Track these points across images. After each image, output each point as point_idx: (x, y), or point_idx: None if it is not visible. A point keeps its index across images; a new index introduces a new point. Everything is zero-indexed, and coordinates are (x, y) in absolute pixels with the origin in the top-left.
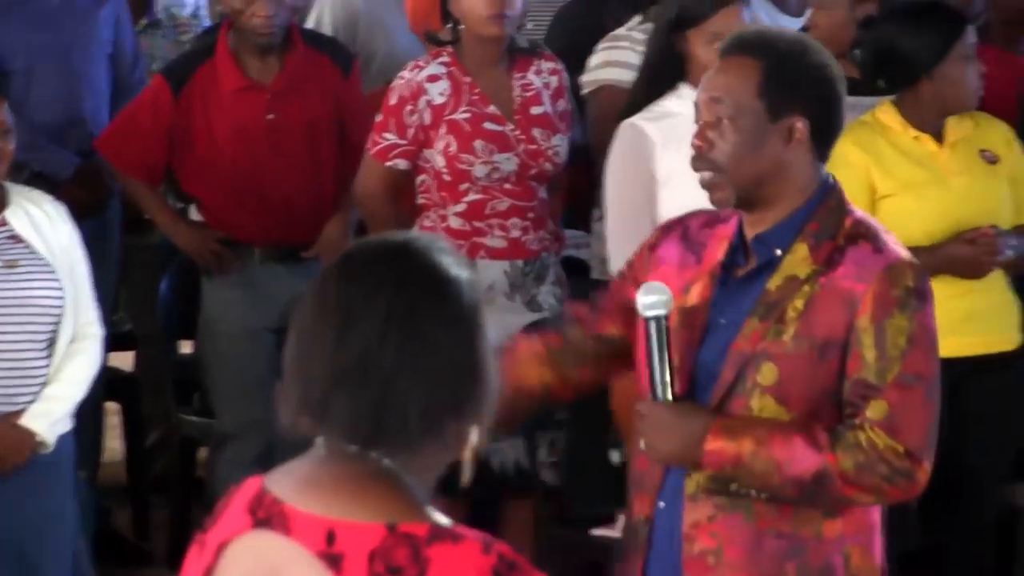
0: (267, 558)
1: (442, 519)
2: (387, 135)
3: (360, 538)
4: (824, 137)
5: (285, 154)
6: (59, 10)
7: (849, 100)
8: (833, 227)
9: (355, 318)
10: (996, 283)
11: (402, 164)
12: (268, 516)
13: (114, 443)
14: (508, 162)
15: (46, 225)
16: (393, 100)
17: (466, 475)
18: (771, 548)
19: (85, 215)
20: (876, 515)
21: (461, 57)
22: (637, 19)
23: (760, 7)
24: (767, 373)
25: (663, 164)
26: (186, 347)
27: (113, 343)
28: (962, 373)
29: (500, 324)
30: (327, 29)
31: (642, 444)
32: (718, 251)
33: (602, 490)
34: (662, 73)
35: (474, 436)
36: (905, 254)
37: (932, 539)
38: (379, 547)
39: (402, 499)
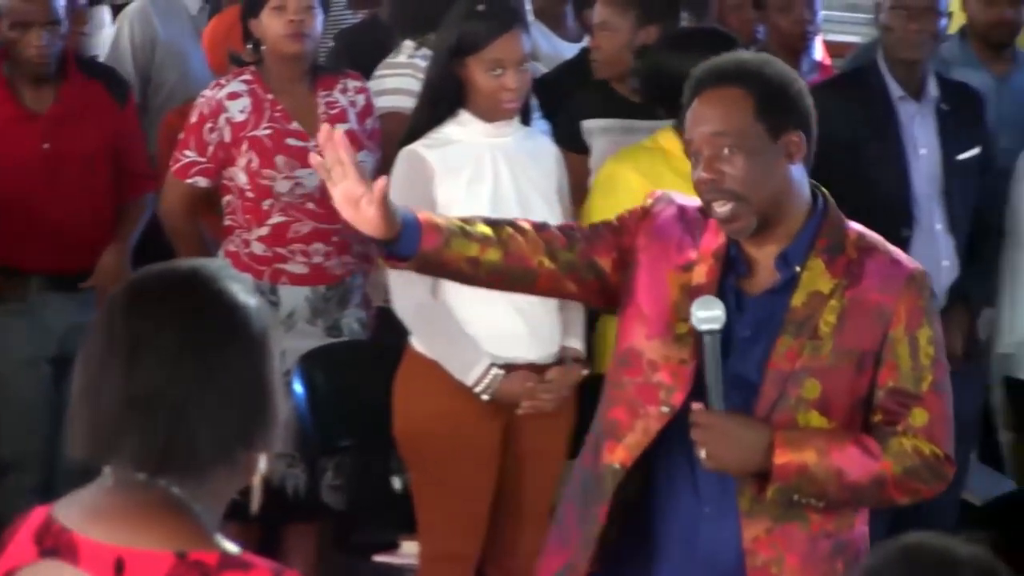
0: None
1: (231, 547)
2: (187, 152)
3: (149, 566)
4: (811, 148)
5: (61, 183)
6: None
7: (630, 124)
8: (840, 240)
9: (143, 348)
10: None
11: (202, 182)
12: (56, 545)
13: None
14: (311, 178)
15: None
16: (194, 118)
17: (255, 501)
18: (823, 549)
19: None
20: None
21: (264, 76)
22: (411, 44)
23: (538, 33)
24: (811, 388)
25: (443, 190)
26: None
27: None
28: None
29: (299, 350)
30: (126, 52)
31: (702, 453)
32: (715, 239)
33: (385, 516)
34: (442, 99)
35: (263, 463)
36: (916, 263)
37: None
38: (169, 575)
39: (191, 527)
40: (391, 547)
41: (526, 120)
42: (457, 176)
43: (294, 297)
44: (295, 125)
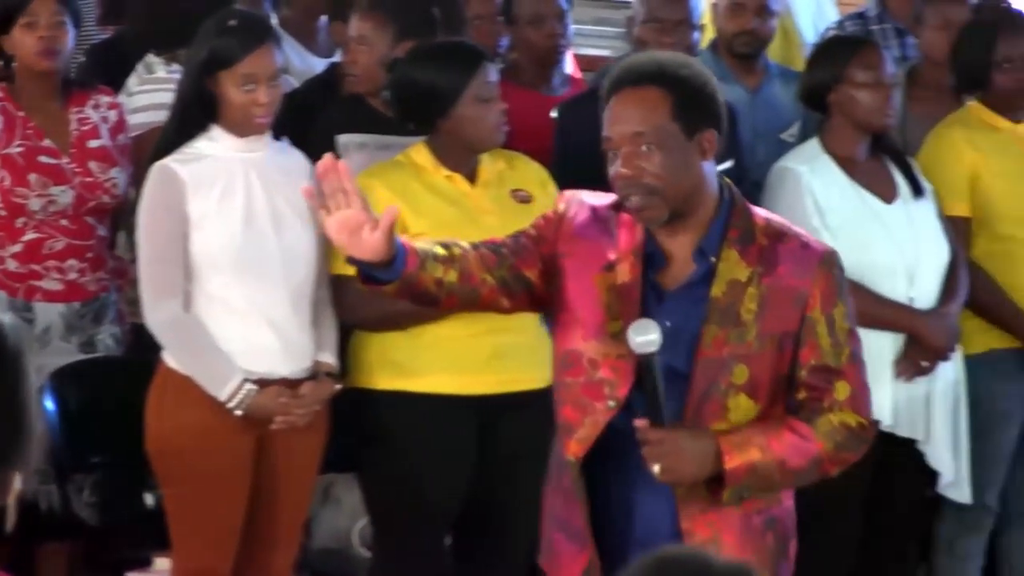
0: None
1: None
2: None
3: None
4: (722, 144)
5: None
6: None
7: (386, 140)
8: (750, 228)
9: None
10: (527, 321)
11: None
12: None
13: None
14: (64, 195)
15: None
16: None
17: (10, 520)
18: (756, 525)
19: None
20: None
21: (15, 93)
22: (158, 60)
23: (290, 48)
24: (739, 374)
25: (195, 205)
26: None
27: None
28: (493, 410)
29: (53, 367)
30: None
31: (656, 469)
32: (633, 235)
33: (138, 533)
34: (194, 114)
35: (18, 482)
36: (824, 244)
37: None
38: None
39: None
40: (144, 564)
41: (278, 135)
42: (209, 191)
43: (49, 314)
44: (47, 142)
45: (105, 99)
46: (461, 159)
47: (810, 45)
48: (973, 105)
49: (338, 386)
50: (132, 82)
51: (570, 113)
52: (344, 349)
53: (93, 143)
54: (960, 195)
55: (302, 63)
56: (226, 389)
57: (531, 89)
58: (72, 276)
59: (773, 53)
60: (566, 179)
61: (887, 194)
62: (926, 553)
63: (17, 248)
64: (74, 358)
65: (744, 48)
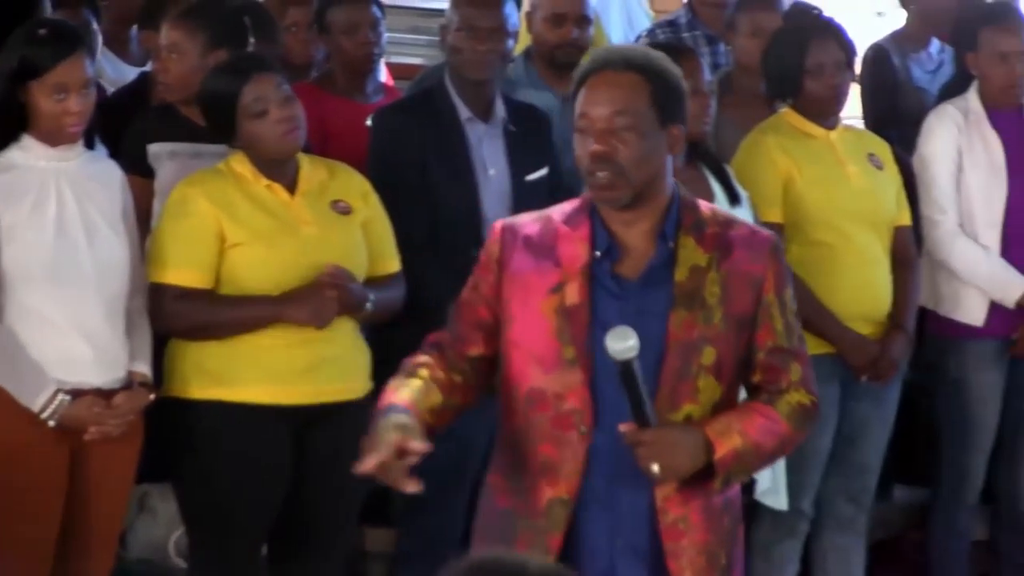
0: None
1: None
2: None
3: None
4: (687, 126)
5: None
6: None
7: (198, 149)
8: (700, 217)
9: None
10: (342, 331)
11: None
12: None
13: None
14: None
15: None
16: None
17: None
18: (717, 505)
19: None
20: None
21: None
22: None
23: (102, 57)
24: (708, 355)
25: (7, 216)
26: None
27: None
28: (308, 421)
29: None
30: None
31: (655, 468)
32: (579, 250)
33: None
34: (4, 124)
35: None
36: (766, 229)
37: None
38: None
39: None
40: None
41: (90, 144)
42: (21, 201)
43: None
44: None
45: None
46: (275, 168)
47: None
48: (785, 112)
49: (152, 395)
50: None
51: (384, 121)
52: (159, 358)
53: None
54: (773, 201)
55: (115, 72)
56: (39, 400)
57: (346, 97)
58: None
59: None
60: (379, 187)
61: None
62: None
63: None
64: None
65: (567, 58)
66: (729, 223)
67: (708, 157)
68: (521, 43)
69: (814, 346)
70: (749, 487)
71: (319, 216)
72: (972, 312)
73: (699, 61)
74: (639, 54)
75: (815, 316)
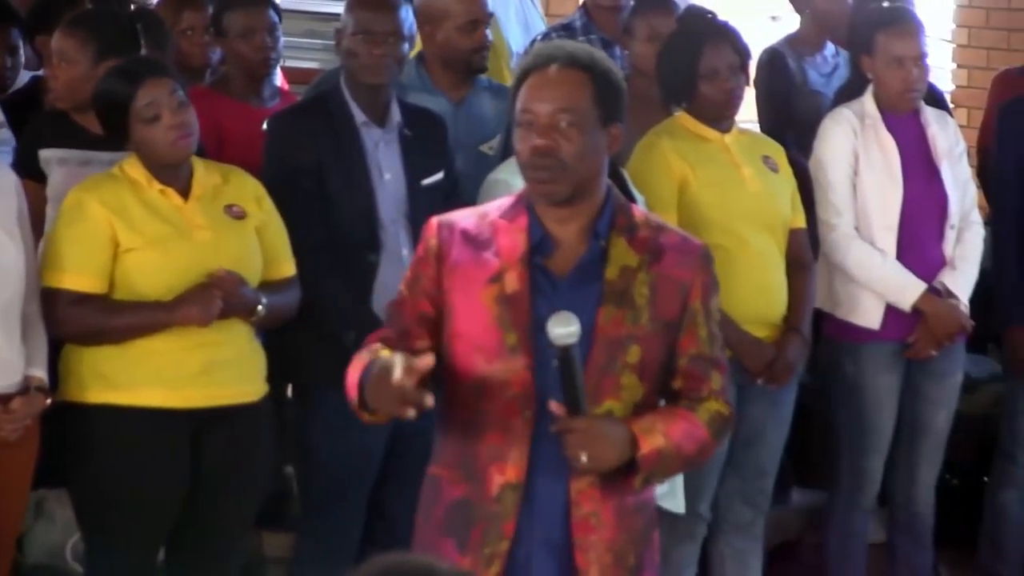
0: None
1: None
2: None
3: None
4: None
5: None
6: None
7: (88, 156)
8: (632, 220)
9: None
10: (237, 335)
11: None
12: None
13: None
14: None
15: None
16: None
17: None
18: (630, 505)
19: None
20: None
21: None
22: None
23: None
24: (633, 353)
25: None
26: None
27: None
28: (204, 424)
29: None
30: None
31: (584, 457)
32: (517, 240)
33: None
34: None
35: None
36: (697, 238)
37: None
38: None
39: None
40: None
41: None
42: None
43: None
44: None
45: None
46: (169, 173)
47: (518, 56)
48: (680, 115)
49: (48, 400)
50: None
51: (279, 125)
52: (54, 363)
53: None
54: (668, 205)
55: None
56: None
57: (242, 101)
58: None
59: None
60: (275, 191)
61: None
62: None
63: None
64: None
65: (482, 62)
66: (660, 228)
67: None
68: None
69: None
70: None
71: (213, 221)
72: (868, 315)
73: None
74: (584, 52)
75: None
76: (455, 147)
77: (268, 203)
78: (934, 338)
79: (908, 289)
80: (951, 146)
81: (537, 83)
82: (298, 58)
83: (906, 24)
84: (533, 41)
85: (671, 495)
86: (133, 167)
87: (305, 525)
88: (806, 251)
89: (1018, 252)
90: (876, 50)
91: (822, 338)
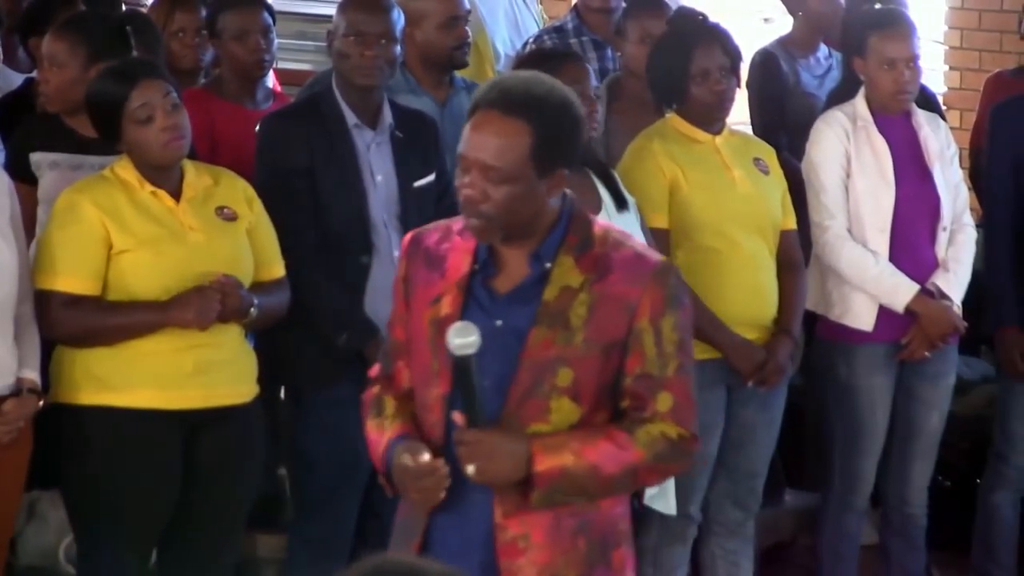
0: None
1: None
2: None
3: None
4: (574, 165)
5: None
6: None
7: (79, 160)
8: (588, 237)
9: None
10: (229, 336)
11: None
12: None
13: None
14: None
15: None
16: None
17: None
18: (567, 527)
19: None
20: None
21: None
22: None
23: None
24: (563, 376)
25: None
26: None
27: None
28: (196, 425)
29: None
30: None
31: (470, 469)
32: (462, 263)
33: None
34: None
35: None
36: (660, 256)
37: None
38: None
39: None
40: None
41: None
42: None
43: None
44: None
45: None
46: (160, 175)
47: (507, 58)
48: (671, 117)
49: (41, 402)
50: None
51: (271, 127)
52: (46, 364)
53: None
54: (659, 207)
55: (2, 79)
56: None
57: (235, 103)
58: None
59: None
60: (267, 194)
61: (591, 207)
62: None
63: None
64: None
65: (463, 58)
66: (618, 245)
67: (595, 163)
68: None
69: (701, 351)
70: (639, 492)
71: (205, 223)
72: (861, 317)
73: (586, 68)
74: (532, 97)
75: (702, 321)
76: (443, 148)
77: (258, 205)
78: (927, 339)
79: (901, 290)
80: (943, 148)
81: (475, 127)
82: (290, 60)
83: (898, 26)
84: (525, 44)
85: (661, 496)
86: (125, 169)
87: (298, 526)
88: (796, 253)
89: (1010, 254)
90: (868, 52)
91: (815, 339)
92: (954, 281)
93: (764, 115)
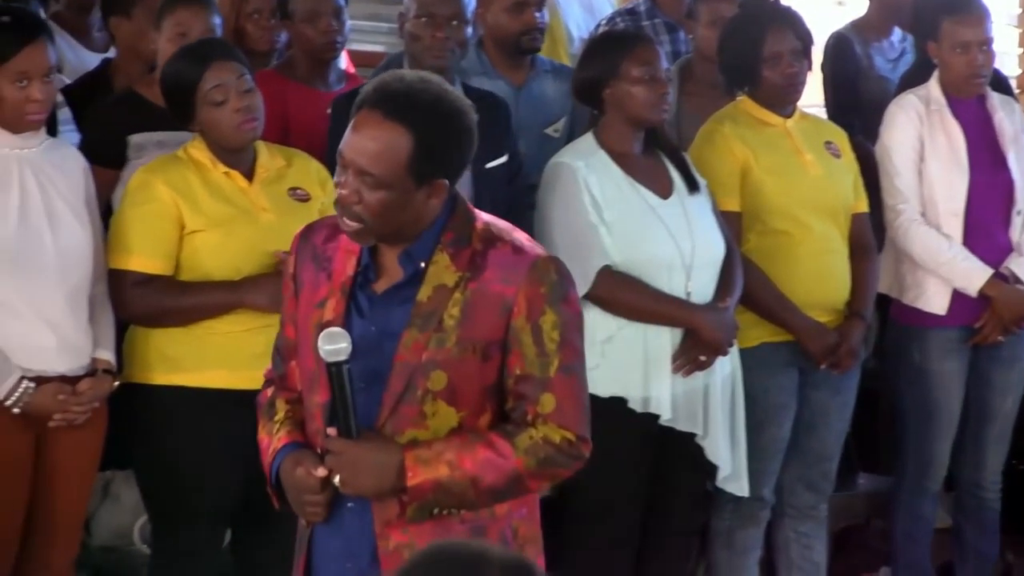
0: None
1: None
2: None
3: None
4: (458, 179)
5: None
6: None
7: (179, 137)
8: (467, 233)
9: None
10: None
11: None
12: None
13: None
14: None
15: None
16: None
17: None
18: (457, 533)
19: None
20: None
21: None
22: None
23: (64, 43)
24: (437, 380)
25: None
26: None
27: None
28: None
29: None
30: None
31: (336, 480)
32: (347, 265)
33: None
34: None
35: None
36: (540, 250)
37: None
38: None
39: None
40: None
41: (52, 131)
42: None
43: None
44: None
45: None
46: (233, 155)
47: (580, 41)
48: (742, 100)
49: (116, 382)
50: None
51: (343, 108)
52: (119, 345)
53: None
54: (731, 190)
55: (75, 59)
56: (3, 387)
57: (308, 85)
58: None
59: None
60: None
61: (663, 189)
62: (704, 547)
63: None
64: None
65: (532, 44)
66: (495, 240)
67: (667, 146)
68: None
69: (773, 334)
70: (712, 473)
71: (277, 203)
72: (935, 301)
73: (655, 49)
74: (417, 102)
75: (774, 304)
76: (518, 130)
77: (331, 185)
78: (1001, 324)
79: (974, 275)
80: (1017, 132)
81: (356, 126)
82: (363, 41)
83: (971, 10)
84: (598, 25)
85: (735, 478)
86: (198, 149)
87: None
88: (868, 236)
89: None
90: (941, 36)
91: (888, 323)
92: None
93: (837, 98)
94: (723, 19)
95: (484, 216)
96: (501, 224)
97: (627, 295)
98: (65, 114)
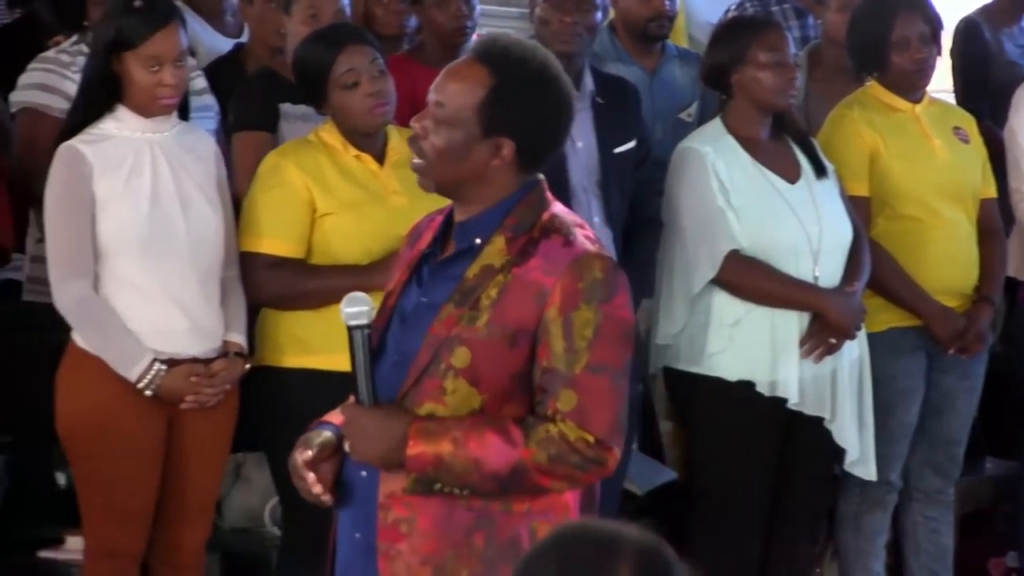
0: None
1: None
2: None
3: None
4: (532, 157)
5: None
6: None
7: (307, 111)
8: (530, 221)
9: None
10: None
11: None
12: None
13: None
14: None
15: None
16: None
17: None
18: (461, 519)
19: None
20: (569, 495)
21: None
22: (73, 39)
23: (198, 27)
24: (460, 356)
25: (102, 186)
26: None
27: None
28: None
29: None
30: None
31: (347, 446)
32: (425, 241)
33: (48, 512)
34: (100, 95)
35: None
36: (593, 247)
37: None
38: None
39: None
40: (56, 543)
41: (184, 115)
42: (116, 172)
43: None
44: None
45: None
46: (364, 139)
47: (706, 25)
48: (871, 85)
49: (248, 365)
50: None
51: None
52: (252, 327)
53: None
54: (859, 175)
55: (210, 43)
56: (136, 369)
57: (438, 69)
58: None
59: None
60: None
61: (790, 174)
62: (831, 531)
63: None
64: None
65: (659, 31)
66: (551, 231)
67: (795, 131)
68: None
69: (901, 319)
70: (839, 457)
71: (408, 186)
72: None
73: (783, 34)
74: (509, 53)
75: (902, 289)
76: (653, 116)
77: None
78: None
79: None
80: None
81: (447, 69)
82: (493, 26)
83: None
84: (727, 10)
85: (863, 462)
86: (329, 133)
87: None
88: (997, 221)
89: None
90: None
91: (1016, 307)
92: None
93: (967, 83)
94: (852, 4)
95: (557, 208)
96: (570, 218)
97: (754, 279)
98: (204, 100)
